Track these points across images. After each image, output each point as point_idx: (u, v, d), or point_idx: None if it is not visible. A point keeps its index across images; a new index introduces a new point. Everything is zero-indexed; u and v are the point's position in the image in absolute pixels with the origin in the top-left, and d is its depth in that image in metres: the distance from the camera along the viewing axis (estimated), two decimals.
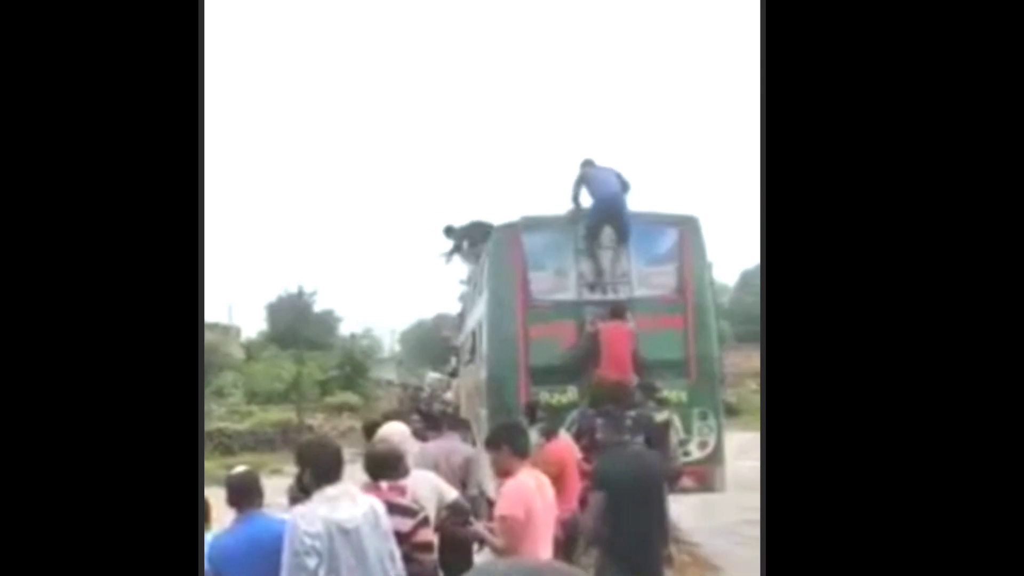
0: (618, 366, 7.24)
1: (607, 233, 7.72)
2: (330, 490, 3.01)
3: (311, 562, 2.84)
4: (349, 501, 3.00)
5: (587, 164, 8.01)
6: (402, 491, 3.46)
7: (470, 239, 10.83)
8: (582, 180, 7.89)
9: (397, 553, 3.04)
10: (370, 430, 5.44)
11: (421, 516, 3.30)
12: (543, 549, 3.31)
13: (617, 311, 7.41)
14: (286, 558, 2.87)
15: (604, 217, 7.71)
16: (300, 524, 2.92)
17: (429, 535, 3.32)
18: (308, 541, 2.86)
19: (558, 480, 4.26)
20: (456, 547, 4.67)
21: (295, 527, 2.91)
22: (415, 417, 6.85)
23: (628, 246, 7.74)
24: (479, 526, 3.48)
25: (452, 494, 4.02)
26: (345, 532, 2.91)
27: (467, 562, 4.80)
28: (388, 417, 5.35)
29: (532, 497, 3.26)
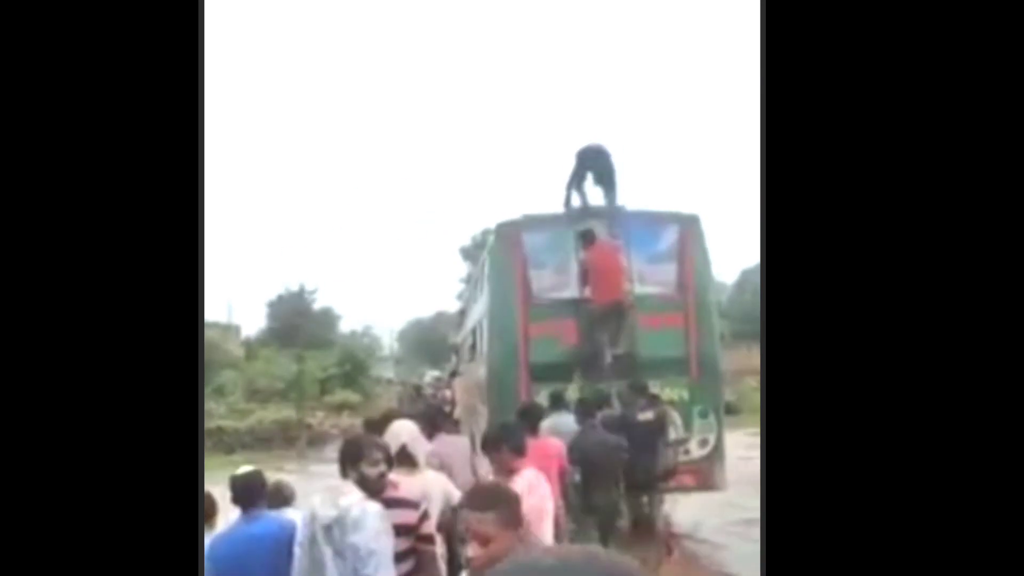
0: (609, 285, 7.39)
1: (591, 182, 8.07)
2: (332, 483, 3.08)
3: (297, 547, 2.99)
4: (331, 499, 3.03)
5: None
6: (395, 486, 3.48)
7: None
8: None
9: (373, 562, 2.97)
10: (371, 427, 5.44)
11: (423, 508, 3.33)
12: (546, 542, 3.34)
13: (588, 236, 7.59)
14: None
15: (582, 162, 8.06)
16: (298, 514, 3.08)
17: (431, 527, 3.35)
18: (298, 526, 3.05)
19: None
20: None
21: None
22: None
23: (614, 195, 8.07)
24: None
25: (458, 496, 4.03)
26: (322, 528, 2.97)
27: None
28: (388, 416, 5.34)
29: (537, 490, 3.32)
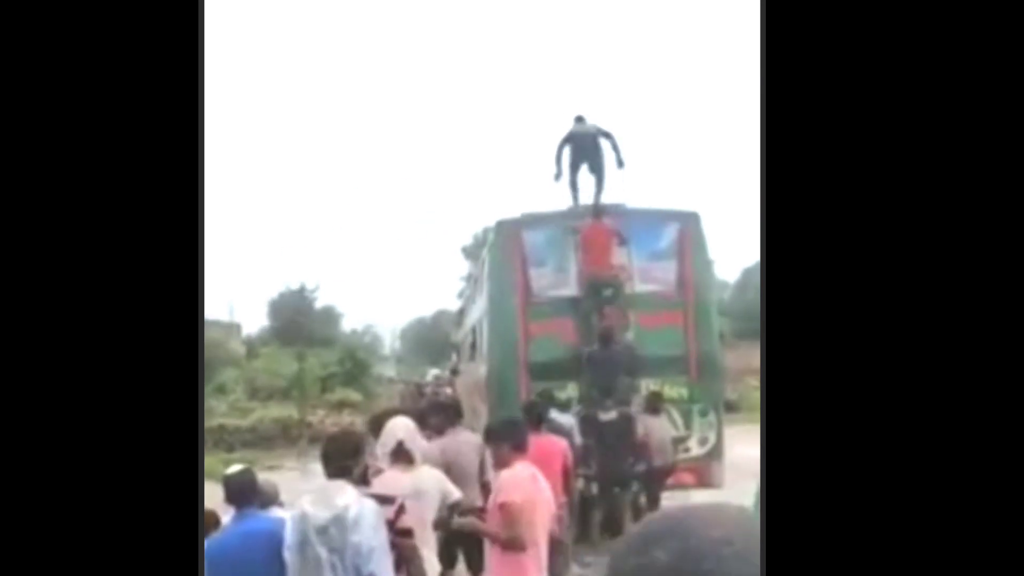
0: (598, 262, 7.56)
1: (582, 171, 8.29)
2: (321, 484, 3.09)
3: (286, 551, 3.00)
4: (324, 499, 3.03)
5: (578, 120, 8.39)
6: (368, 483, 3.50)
7: None
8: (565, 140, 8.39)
9: (368, 570, 3.00)
10: (374, 424, 5.46)
11: (399, 503, 3.35)
12: (540, 538, 3.35)
13: (596, 212, 7.78)
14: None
15: (567, 139, 8.27)
16: (288, 514, 3.08)
17: (408, 521, 3.38)
18: (287, 527, 3.04)
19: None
20: (464, 541, 4.71)
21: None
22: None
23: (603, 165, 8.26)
24: (474, 520, 3.55)
25: (456, 495, 4.05)
26: (316, 529, 2.97)
27: (478, 554, 4.82)
28: (389, 413, 5.38)
29: (529, 485, 3.32)
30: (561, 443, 5.47)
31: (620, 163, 8.31)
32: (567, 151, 8.31)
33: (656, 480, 7.16)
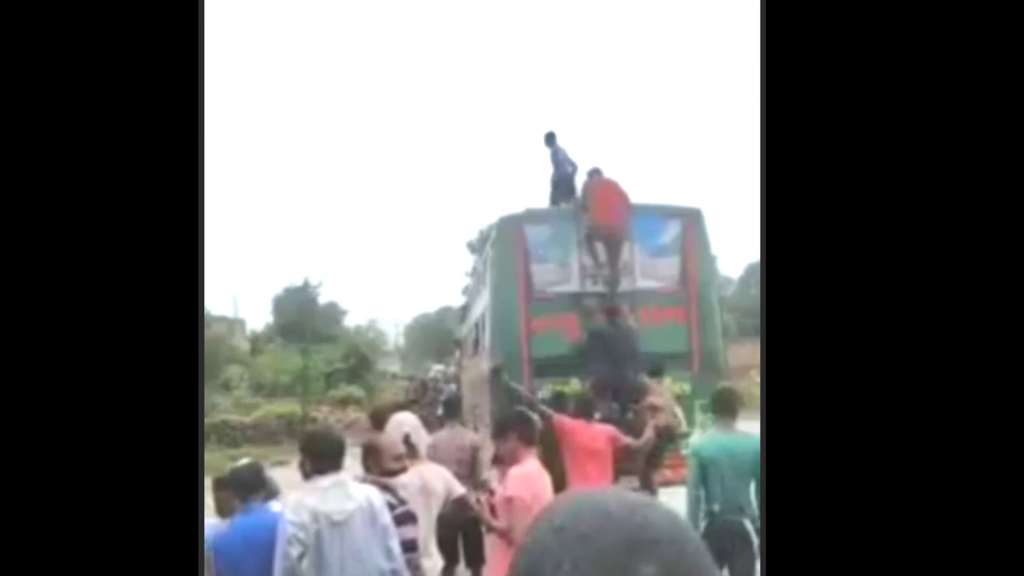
0: (608, 207, 7.61)
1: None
2: (323, 481, 3.06)
3: (294, 551, 2.92)
4: (341, 493, 3.03)
5: (550, 139, 8.61)
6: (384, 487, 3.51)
7: None
8: (554, 156, 8.57)
9: (396, 549, 3.05)
10: (376, 418, 5.48)
11: (403, 510, 3.35)
12: None
13: (594, 172, 7.92)
14: (277, 547, 2.95)
15: (558, 194, 8.48)
16: (287, 513, 2.99)
17: (412, 532, 3.37)
18: (291, 530, 2.94)
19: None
20: (465, 536, 4.73)
21: (283, 516, 2.99)
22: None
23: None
24: (483, 510, 3.56)
25: (459, 490, 4.07)
26: (334, 524, 2.95)
27: (479, 550, 4.84)
28: (389, 407, 5.41)
29: (537, 482, 3.33)
30: (608, 430, 5.35)
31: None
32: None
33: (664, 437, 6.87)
